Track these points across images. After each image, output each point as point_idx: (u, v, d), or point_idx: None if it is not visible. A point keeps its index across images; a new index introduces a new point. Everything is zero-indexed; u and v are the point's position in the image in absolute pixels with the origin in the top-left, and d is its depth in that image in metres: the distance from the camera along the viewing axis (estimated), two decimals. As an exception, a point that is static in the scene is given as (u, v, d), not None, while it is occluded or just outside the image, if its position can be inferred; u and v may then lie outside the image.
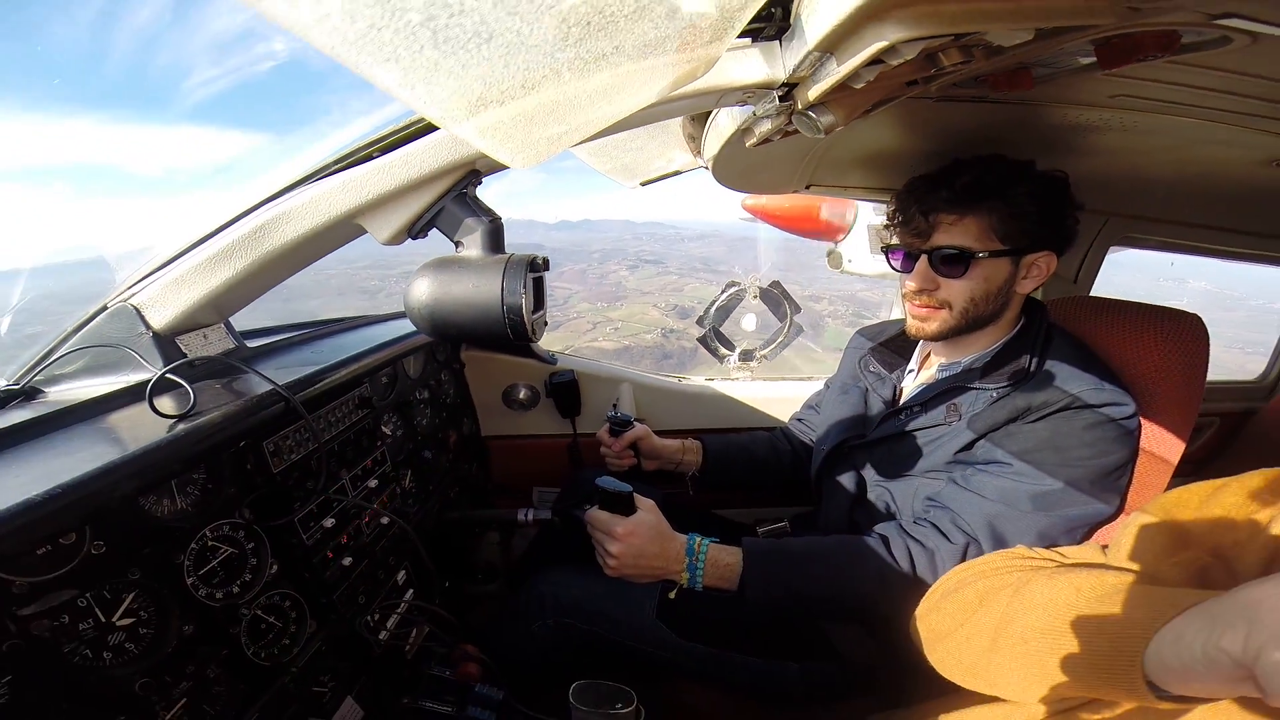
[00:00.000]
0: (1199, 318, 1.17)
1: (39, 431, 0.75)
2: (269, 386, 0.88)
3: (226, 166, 34.15)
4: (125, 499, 0.70)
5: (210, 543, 0.82)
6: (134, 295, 0.86)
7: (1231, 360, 2.23)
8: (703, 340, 2.36)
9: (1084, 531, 1.08)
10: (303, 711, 0.93)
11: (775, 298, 2.31)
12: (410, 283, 0.72)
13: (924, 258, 1.14)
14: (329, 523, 0.98)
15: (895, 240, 1.22)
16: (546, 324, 0.75)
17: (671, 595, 1.08)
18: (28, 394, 0.84)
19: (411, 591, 1.22)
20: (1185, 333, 1.15)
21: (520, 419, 1.93)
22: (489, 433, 1.92)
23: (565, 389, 1.86)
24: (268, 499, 0.89)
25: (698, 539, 1.07)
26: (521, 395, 1.89)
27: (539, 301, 0.72)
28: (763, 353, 2.29)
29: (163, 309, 0.85)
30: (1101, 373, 1.09)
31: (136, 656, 0.71)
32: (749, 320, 2.38)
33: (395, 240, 0.80)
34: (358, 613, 1.05)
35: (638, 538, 1.03)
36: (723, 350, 2.33)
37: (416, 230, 0.78)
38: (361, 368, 1.16)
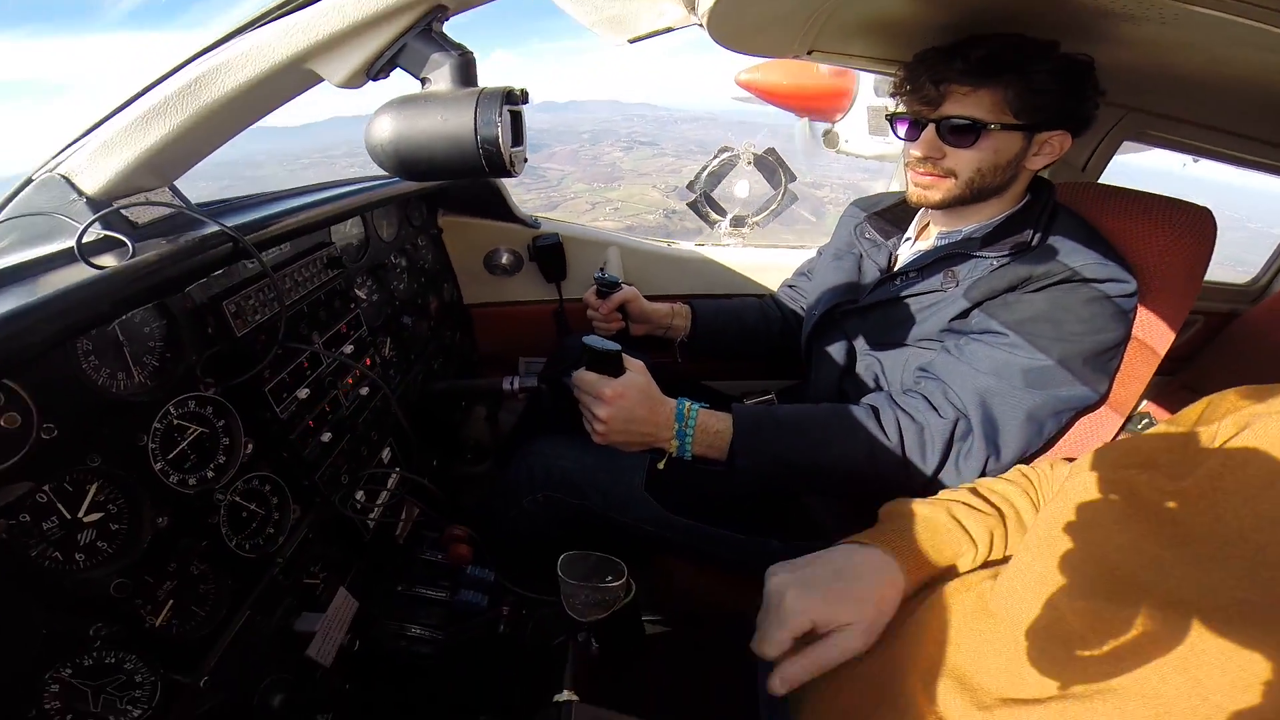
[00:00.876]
0: (1209, 211, 1.13)
1: None
2: (216, 230, 0.80)
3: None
4: (70, 372, 0.64)
5: (176, 421, 0.77)
6: (60, 164, 0.76)
7: (1224, 276, 2.21)
8: (693, 205, 2.27)
9: (1070, 415, 1.09)
10: (297, 605, 0.92)
11: (770, 165, 2.20)
12: (371, 121, 0.63)
13: (931, 126, 1.08)
14: (303, 393, 0.93)
15: (901, 108, 1.14)
16: (526, 160, 0.67)
17: (661, 465, 1.06)
18: None
19: (398, 470, 1.20)
20: (1193, 223, 1.12)
21: (504, 285, 1.87)
22: (471, 300, 1.87)
23: (550, 253, 1.79)
24: (230, 361, 0.83)
25: (687, 403, 1.04)
26: (504, 260, 1.82)
27: (518, 136, 0.64)
28: (755, 219, 2.21)
29: (95, 174, 0.76)
30: (1104, 250, 1.06)
31: (111, 555, 0.67)
32: (741, 186, 2.28)
33: (352, 83, 0.70)
34: (343, 494, 1.02)
35: (627, 400, 0.99)
36: (714, 215, 2.25)
37: (376, 70, 0.68)
38: (322, 214, 1.06)
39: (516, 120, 0.64)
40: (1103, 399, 1.12)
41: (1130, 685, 0.49)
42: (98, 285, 0.65)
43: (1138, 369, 1.16)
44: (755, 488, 1.06)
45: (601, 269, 1.64)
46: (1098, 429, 1.19)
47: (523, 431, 1.61)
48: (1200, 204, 1.15)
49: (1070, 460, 0.85)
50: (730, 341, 1.59)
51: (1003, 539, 0.79)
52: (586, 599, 0.71)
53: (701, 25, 1.15)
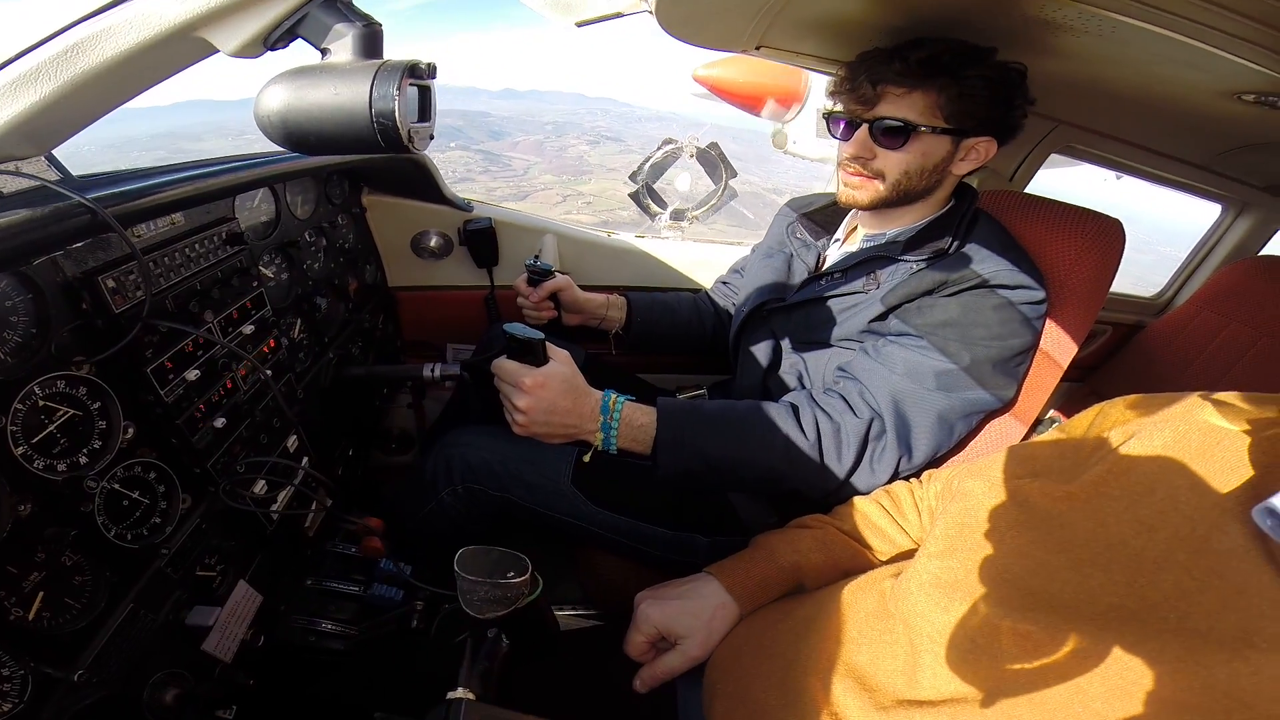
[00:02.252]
0: (1119, 222, 1.19)
1: None
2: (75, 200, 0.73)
3: None
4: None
5: (42, 402, 0.70)
6: None
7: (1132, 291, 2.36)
8: (634, 196, 2.25)
9: (979, 418, 1.13)
10: (189, 598, 0.87)
11: (712, 160, 2.20)
12: (261, 90, 0.58)
13: (865, 127, 1.11)
14: (193, 375, 0.87)
15: (839, 108, 1.16)
16: (433, 137, 0.64)
17: (586, 459, 1.05)
18: None
19: (307, 459, 1.14)
20: (1103, 233, 1.17)
21: (432, 268, 1.81)
22: (396, 283, 1.80)
23: (481, 236, 1.73)
24: (103, 336, 0.77)
25: (613, 396, 1.02)
26: (432, 243, 1.75)
27: (424, 112, 0.61)
28: (695, 213, 2.21)
29: None
30: (1017, 258, 1.10)
31: None
32: (683, 180, 2.28)
33: (247, 52, 0.65)
34: (238, 483, 0.96)
35: (548, 390, 0.96)
36: (654, 208, 2.23)
37: (274, 40, 0.63)
38: (214, 185, 0.98)
39: (425, 96, 0.61)
40: (1012, 402, 1.17)
41: (1017, 689, 0.51)
42: None
43: (1046, 373, 1.20)
44: (679, 483, 1.06)
45: (535, 256, 1.60)
46: (1007, 432, 1.23)
47: (447, 421, 1.56)
48: (1111, 215, 1.20)
49: (935, 470, 0.98)
50: (664, 335, 1.59)
51: (850, 558, 0.92)
52: (486, 595, 0.68)
53: (651, 12, 1.14)
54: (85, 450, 0.75)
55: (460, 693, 0.62)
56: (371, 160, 1.51)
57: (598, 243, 1.90)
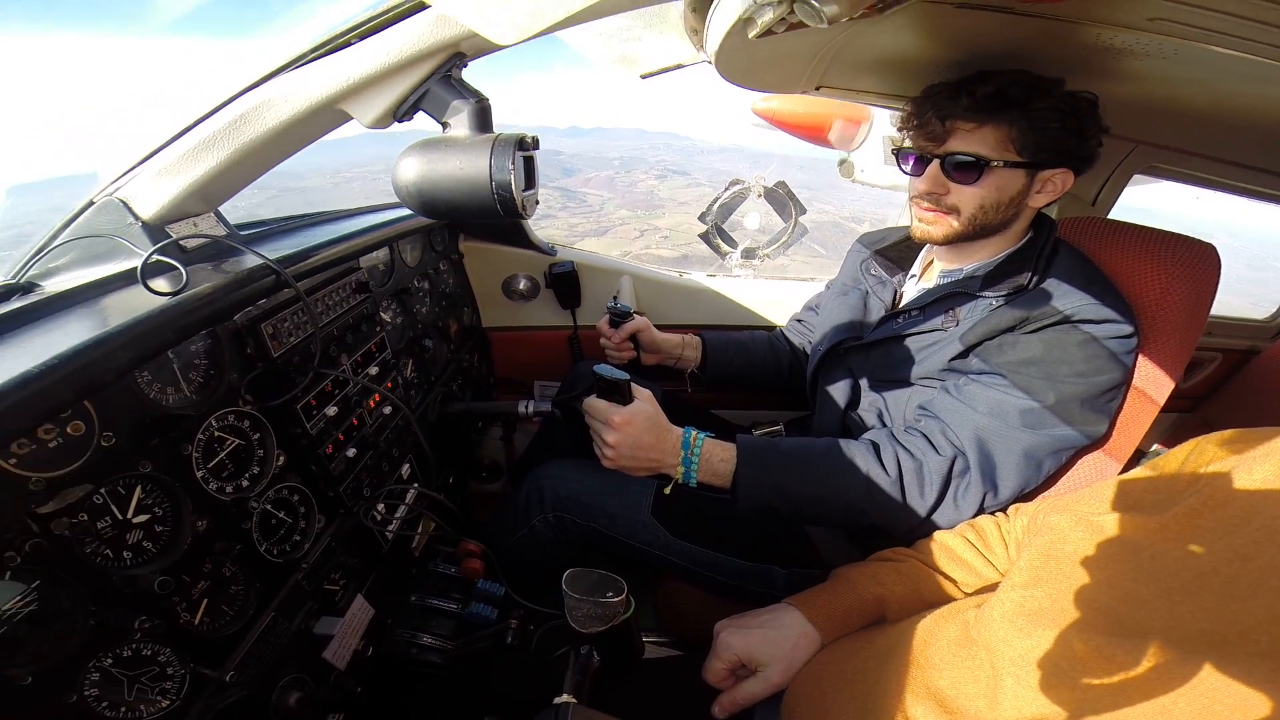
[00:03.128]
0: (1213, 247, 1.13)
1: (35, 317, 0.74)
2: (260, 262, 0.87)
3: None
4: (127, 387, 0.70)
5: (216, 433, 0.83)
6: (119, 189, 0.84)
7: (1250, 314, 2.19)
8: (704, 236, 2.32)
9: (1069, 454, 1.10)
10: (317, 610, 0.97)
11: (780, 198, 2.25)
12: (397, 162, 0.70)
13: (936, 162, 1.11)
14: (331, 411, 0.99)
15: (908, 143, 1.17)
16: (538, 202, 0.74)
17: (667, 491, 1.09)
18: (24, 289, 0.83)
19: (416, 486, 1.25)
20: (1195, 259, 1.12)
21: (521, 310, 1.94)
22: (490, 324, 1.94)
23: (565, 280, 1.85)
24: (268, 381, 0.89)
25: (694, 433, 1.07)
26: (521, 286, 1.89)
27: (530, 180, 0.70)
28: (765, 251, 2.26)
29: (149, 200, 0.84)
30: (1101, 291, 1.07)
31: (155, 554, 0.73)
32: (752, 219, 2.34)
33: (380, 124, 0.77)
34: (364, 506, 1.07)
35: (634, 427, 1.02)
36: (724, 247, 2.30)
37: (401, 113, 0.75)
38: (354, 246, 1.14)
39: (529, 165, 0.70)
40: (1105, 438, 1.13)
41: (1100, 710, 0.52)
42: (164, 316, 0.72)
43: (1142, 408, 1.15)
44: (758, 516, 1.09)
45: (615, 297, 1.69)
46: (1101, 467, 1.18)
47: (536, 453, 1.65)
48: (1203, 239, 1.14)
49: (1023, 505, 0.99)
50: (739, 373, 1.62)
51: (933, 590, 0.93)
52: (588, 612, 0.75)
53: (710, 62, 1.22)
54: (247, 475, 0.87)
55: (565, 698, 0.68)
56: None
57: (671, 283, 1.98)
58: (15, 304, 0.76)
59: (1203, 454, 0.66)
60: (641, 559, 1.24)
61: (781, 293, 1.99)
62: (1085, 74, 1.08)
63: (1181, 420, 2.16)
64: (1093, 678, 0.54)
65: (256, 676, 0.84)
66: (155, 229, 0.85)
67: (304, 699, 0.89)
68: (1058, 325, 1.04)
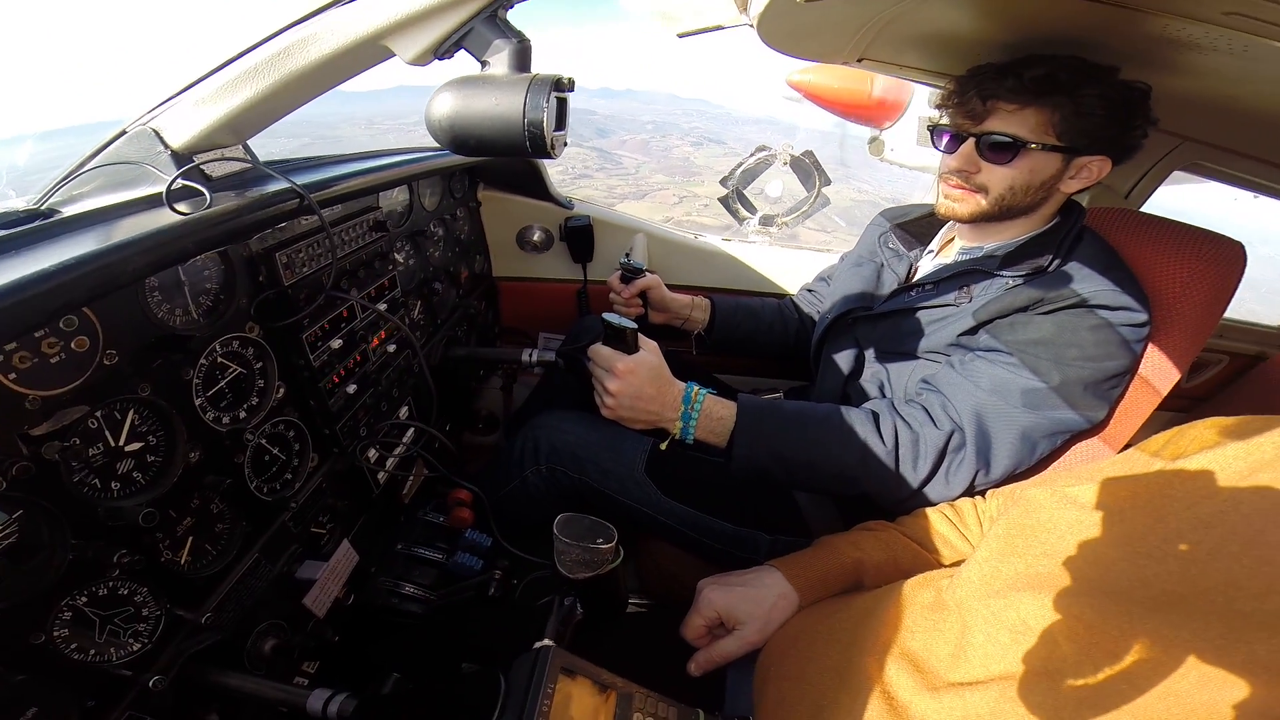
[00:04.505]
0: (1240, 244, 1.12)
1: (54, 234, 0.73)
2: (285, 185, 0.87)
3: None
4: (136, 304, 0.70)
5: (219, 359, 0.82)
6: (153, 119, 0.84)
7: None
8: (724, 200, 2.29)
9: (1064, 438, 1.11)
10: (301, 553, 0.97)
11: (806, 167, 2.21)
12: (432, 97, 0.69)
13: (971, 140, 1.10)
14: (336, 344, 1.00)
15: (945, 121, 1.16)
16: (566, 144, 0.73)
17: (663, 446, 1.10)
18: (45, 215, 0.82)
19: (413, 430, 1.25)
20: (1222, 256, 1.10)
21: (532, 261, 1.93)
22: (500, 273, 1.94)
23: (579, 234, 1.84)
24: (277, 305, 0.89)
25: (695, 387, 1.07)
26: (535, 237, 1.88)
27: (560, 121, 0.69)
28: (784, 219, 2.23)
29: (182, 130, 0.83)
30: (1121, 278, 1.06)
31: (144, 486, 0.72)
32: (774, 186, 2.30)
33: (421, 60, 0.76)
34: (360, 445, 1.07)
35: (637, 376, 1.02)
36: (743, 212, 2.27)
37: (444, 50, 0.74)
38: (375, 180, 1.13)
39: (562, 106, 0.69)
40: (1102, 425, 1.14)
41: (1064, 666, 0.54)
42: (183, 228, 0.72)
43: (1143, 399, 1.15)
44: (751, 479, 1.10)
45: (627, 254, 1.68)
46: (1094, 454, 1.19)
47: (534, 406, 1.66)
48: (1234, 238, 1.13)
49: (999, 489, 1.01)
50: (745, 339, 1.62)
51: (911, 559, 0.95)
52: (577, 558, 0.76)
53: (752, 26, 1.18)
54: (245, 406, 0.87)
55: (546, 642, 0.70)
56: (493, 159, 1.64)
57: (685, 244, 1.97)
58: (35, 224, 0.75)
59: (1182, 437, 0.68)
60: (630, 516, 1.26)
61: (795, 261, 1.98)
62: (1142, 65, 1.05)
63: (1179, 419, 2.14)
64: (1060, 635, 0.56)
65: (233, 620, 0.83)
66: (183, 158, 0.84)
67: (279, 646, 0.89)
68: (1072, 308, 1.04)
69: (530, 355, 1.51)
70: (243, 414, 0.86)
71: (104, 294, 0.63)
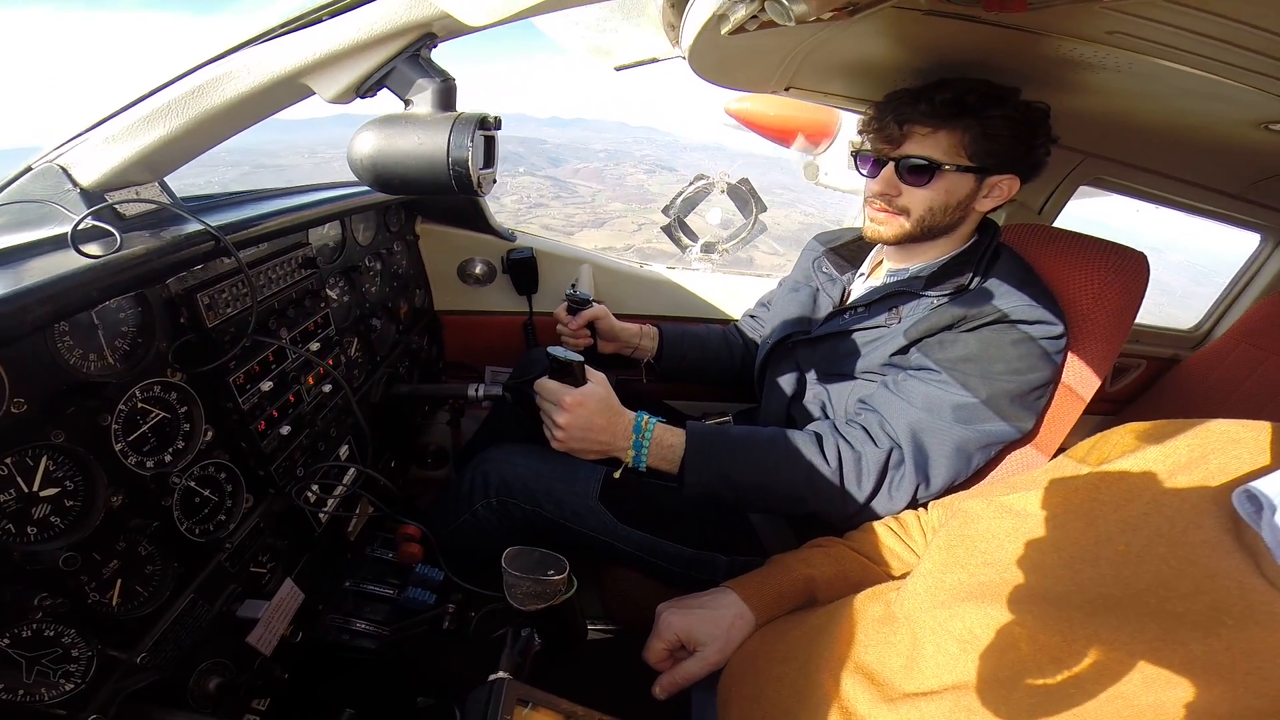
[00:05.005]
0: (1143, 255, 1.20)
1: None
2: (199, 227, 0.83)
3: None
4: (45, 350, 0.66)
5: (140, 404, 0.79)
6: (60, 156, 0.80)
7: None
8: (667, 229, 2.33)
9: (998, 448, 1.15)
10: (241, 593, 0.93)
11: (743, 194, 2.28)
12: (354, 136, 0.68)
13: (891, 164, 1.15)
14: (266, 385, 0.96)
15: (867, 146, 1.21)
16: (495, 181, 0.73)
17: (616, 475, 1.10)
18: None
19: (354, 469, 1.22)
20: (1127, 267, 1.18)
21: (476, 294, 1.91)
22: (442, 307, 1.91)
23: (523, 266, 1.84)
24: (199, 350, 0.86)
25: (645, 417, 1.08)
26: (478, 270, 1.86)
27: (489, 159, 0.70)
28: (724, 246, 2.29)
29: (91, 167, 0.80)
30: (1037, 293, 1.12)
31: (63, 530, 0.69)
32: (714, 214, 2.37)
33: (342, 99, 0.75)
34: (296, 486, 1.04)
35: (586, 409, 1.02)
36: (685, 240, 2.32)
37: (365, 89, 0.74)
38: (301, 219, 1.10)
39: (490, 144, 0.69)
40: (1033, 433, 1.19)
41: (1012, 673, 0.55)
42: (87, 274, 0.68)
43: (1069, 405, 1.21)
44: (703, 503, 1.11)
45: (573, 285, 1.69)
46: (1028, 461, 1.24)
47: (483, 439, 1.63)
48: (1137, 249, 1.21)
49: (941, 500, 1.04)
50: (693, 365, 1.64)
51: (859, 572, 0.97)
52: (528, 590, 0.75)
53: (684, 58, 1.23)
54: (170, 450, 0.83)
55: (501, 674, 0.68)
56: (431, 193, 1.62)
57: (630, 273, 1.99)
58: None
59: (1105, 443, 0.71)
60: (587, 545, 1.24)
61: (737, 286, 2.03)
62: (1042, 85, 1.14)
63: (1106, 423, 2.26)
64: (1006, 644, 0.57)
65: (172, 660, 0.80)
66: (94, 196, 0.80)
67: (225, 684, 0.86)
68: (994, 324, 1.09)
69: (477, 390, 1.49)
70: (168, 458, 0.83)
71: (3, 344, 0.60)
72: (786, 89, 1.47)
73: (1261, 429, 0.59)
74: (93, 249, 0.72)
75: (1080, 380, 1.20)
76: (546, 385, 1.04)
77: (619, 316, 1.59)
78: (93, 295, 0.69)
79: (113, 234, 0.74)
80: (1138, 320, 1.21)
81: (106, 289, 0.71)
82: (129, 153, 0.78)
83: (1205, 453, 0.58)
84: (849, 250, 1.46)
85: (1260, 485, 0.50)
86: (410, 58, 0.71)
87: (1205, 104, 1.09)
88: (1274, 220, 1.88)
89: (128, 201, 0.83)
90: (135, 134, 0.77)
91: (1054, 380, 1.15)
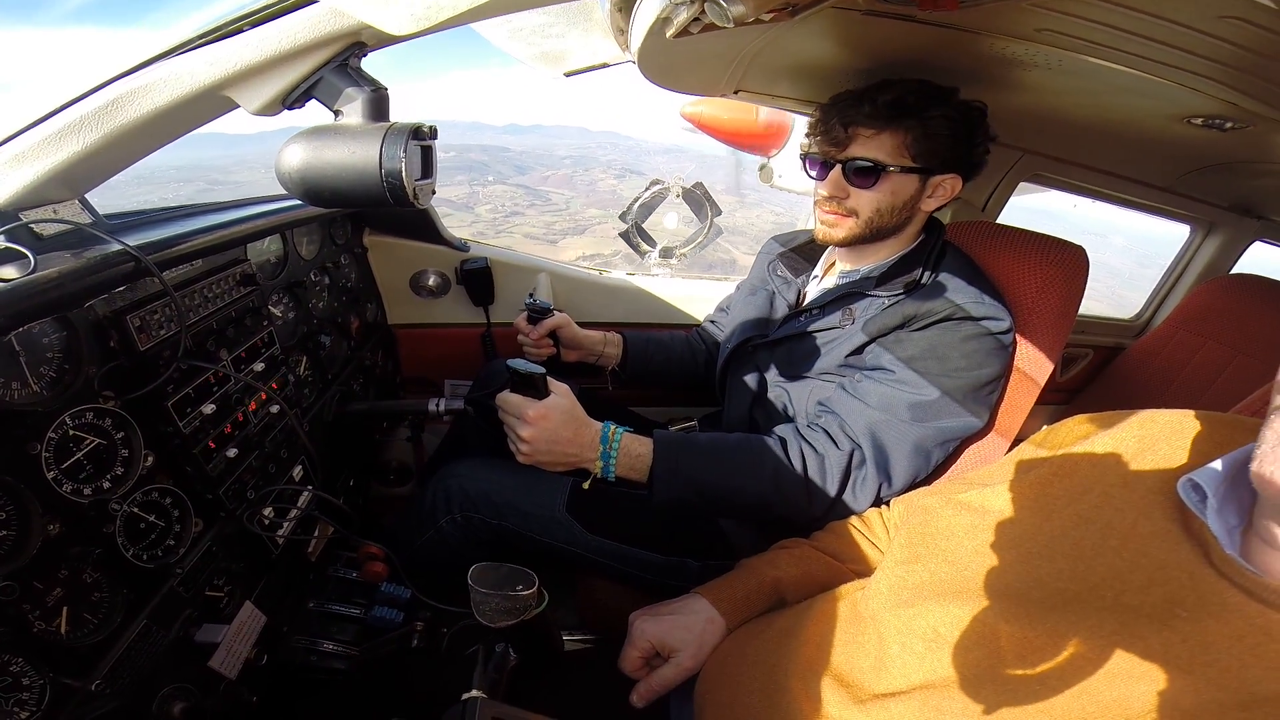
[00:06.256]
0: (1083, 249, 1.24)
1: None
2: (119, 248, 0.79)
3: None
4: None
5: (72, 432, 0.75)
6: None
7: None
8: (625, 235, 2.33)
9: (955, 444, 1.17)
10: (199, 617, 0.90)
11: (698, 199, 2.30)
12: (282, 149, 0.65)
13: (838, 167, 1.17)
14: (209, 409, 0.92)
15: (814, 149, 1.23)
16: (434, 192, 0.71)
17: (585, 486, 1.09)
18: None
19: (310, 489, 1.18)
20: (1068, 260, 1.22)
21: (430, 306, 1.87)
22: (396, 320, 1.86)
23: (477, 276, 1.80)
24: (132, 375, 0.82)
25: (612, 427, 1.07)
26: (431, 282, 1.82)
27: (426, 169, 0.68)
28: (682, 250, 2.30)
29: (3, 185, 0.75)
30: (984, 288, 1.15)
31: None
32: (670, 218, 2.38)
33: (268, 111, 0.72)
34: (247, 509, 1.00)
35: (550, 421, 1.00)
36: (644, 246, 2.32)
37: (291, 100, 0.71)
38: (233, 234, 1.05)
39: (427, 154, 0.67)
40: (987, 428, 1.22)
41: (977, 671, 0.56)
42: None
43: (1023, 393, 1.25)
44: (673, 510, 1.10)
45: (531, 294, 1.67)
46: (988, 453, 1.27)
47: (446, 453, 1.60)
48: (1075, 242, 1.25)
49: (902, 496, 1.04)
50: (657, 371, 1.64)
51: (825, 571, 0.98)
52: (496, 606, 0.73)
53: (634, 62, 1.22)
54: (109, 476, 0.79)
55: (474, 693, 0.66)
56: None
57: (590, 281, 1.97)
58: None
59: (1055, 434, 0.73)
60: (556, 557, 1.23)
61: (698, 290, 2.03)
62: (980, 84, 1.17)
63: (1059, 412, 2.35)
64: (971, 642, 0.58)
65: (130, 687, 0.78)
66: (8, 215, 0.76)
67: (188, 709, 0.84)
68: (943, 322, 1.12)
69: (438, 404, 1.45)
70: (106, 484, 0.79)
71: None
72: (736, 92, 1.49)
73: (1204, 418, 0.60)
74: (6, 272, 0.68)
75: (1030, 372, 1.24)
76: (509, 399, 1.02)
77: (581, 324, 1.57)
78: (3, 321, 0.65)
79: (25, 256, 0.69)
80: (1082, 311, 1.25)
81: (18, 314, 0.67)
82: (41, 170, 0.74)
83: (1153, 442, 0.60)
84: (803, 252, 1.47)
85: (1200, 475, 0.51)
86: (338, 67, 0.68)
87: (1132, 99, 1.13)
88: (1201, 212, 1.98)
89: (43, 221, 0.78)
90: (47, 150, 0.73)
91: (1005, 374, 1.18)
